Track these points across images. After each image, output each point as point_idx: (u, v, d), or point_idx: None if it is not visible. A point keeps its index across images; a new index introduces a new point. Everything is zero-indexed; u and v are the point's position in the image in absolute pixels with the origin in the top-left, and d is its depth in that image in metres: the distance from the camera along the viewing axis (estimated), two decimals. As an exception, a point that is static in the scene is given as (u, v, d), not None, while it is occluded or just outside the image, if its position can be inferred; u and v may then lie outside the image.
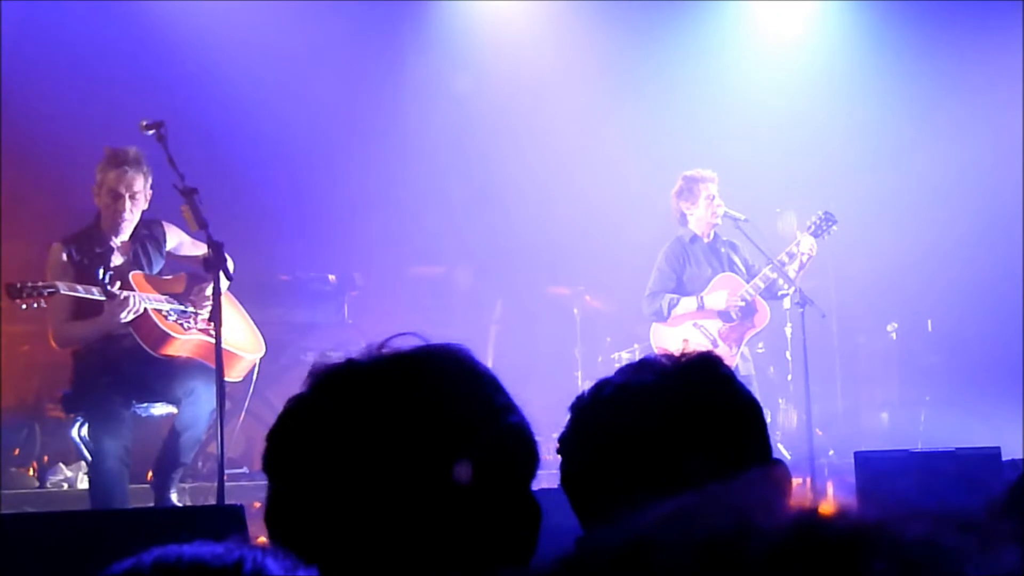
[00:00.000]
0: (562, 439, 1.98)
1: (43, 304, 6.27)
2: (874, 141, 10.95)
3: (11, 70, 8.96)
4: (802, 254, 8.11)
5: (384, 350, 1.63)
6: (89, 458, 6.68)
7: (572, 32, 11.06)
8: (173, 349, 6.64)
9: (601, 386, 1.99)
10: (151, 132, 6.16)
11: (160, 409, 6.88)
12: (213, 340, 6.54)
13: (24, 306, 6.23)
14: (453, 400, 1.60)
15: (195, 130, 8.38)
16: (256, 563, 1.08)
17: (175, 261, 6.99)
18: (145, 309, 6.52)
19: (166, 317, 6.63)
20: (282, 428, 1.63)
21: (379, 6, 10.47)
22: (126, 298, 6.42)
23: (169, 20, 9.67)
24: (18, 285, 6.20)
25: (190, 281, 6.87)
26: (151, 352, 6.60)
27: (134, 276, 6.67)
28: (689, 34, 11.20)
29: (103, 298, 6.43)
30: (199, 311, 6.75)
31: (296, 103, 9.99)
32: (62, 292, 6.30)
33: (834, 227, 8.31)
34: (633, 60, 11.11)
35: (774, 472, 1.92)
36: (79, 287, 6.40)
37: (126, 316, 6.43)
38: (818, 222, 8.29)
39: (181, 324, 6.67)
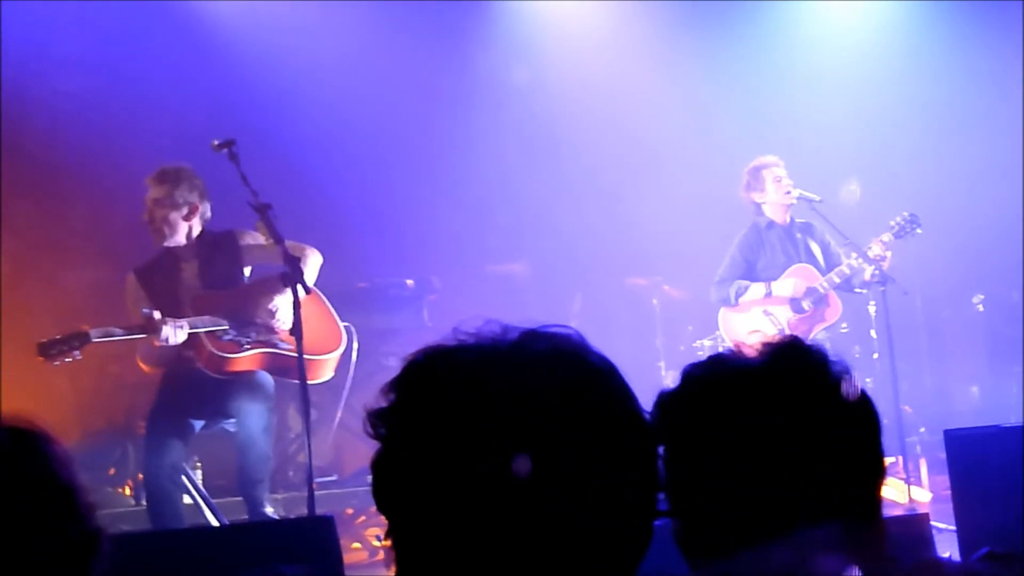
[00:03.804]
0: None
1: (77, 356, 6.32)
2: (950, 109, 10.78)
3: (77, 94, 9.11)
4: (879, 258, 8.05)
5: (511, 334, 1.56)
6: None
7: (637, 23, 11.00)
8: (232, 367, 6.68)
9: (692, 375, 1.88)
10: (223, 151, 6.20)
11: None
12: (275, 351, 6.63)
13: (57, 363, 6.29)
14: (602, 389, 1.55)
15: (264, 144, 8.43)
16: None
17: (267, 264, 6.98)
18: (191, 335, 6.53)
19: (220, 338, 6.64)
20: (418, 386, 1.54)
21: (439, 6, 10.46)
22: (163, 330, 6.40)
23: (229, 34, 9.74)
24: (47, 343, 6.26)
25: (249, 294, 6.89)
26: (212, 374, 6.65)
27: (195, 299, 6.72)
28: (755, 17, 11.11)
29: (139, 335, 6.48)
30: (270, 321, 6.77)
31: (362, 109, 10.01)
32: (93, 340, 6.36)
33: (918, 230, 8.23)
34: (699, 45, 11.04)
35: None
36: (116, 330, 6.46)
37: (169, 343, 6.44)
38: (902, 223, 8.21)
39: (238, 341, 6.67)
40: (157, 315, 6.45)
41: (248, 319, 6.74)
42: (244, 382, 6.66)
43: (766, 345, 1.87)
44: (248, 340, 6.69)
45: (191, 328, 6.52)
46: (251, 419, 6.59)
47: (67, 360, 6.30)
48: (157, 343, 6.43)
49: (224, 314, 6.69)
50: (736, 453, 1.79)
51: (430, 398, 1.51)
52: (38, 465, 1.58)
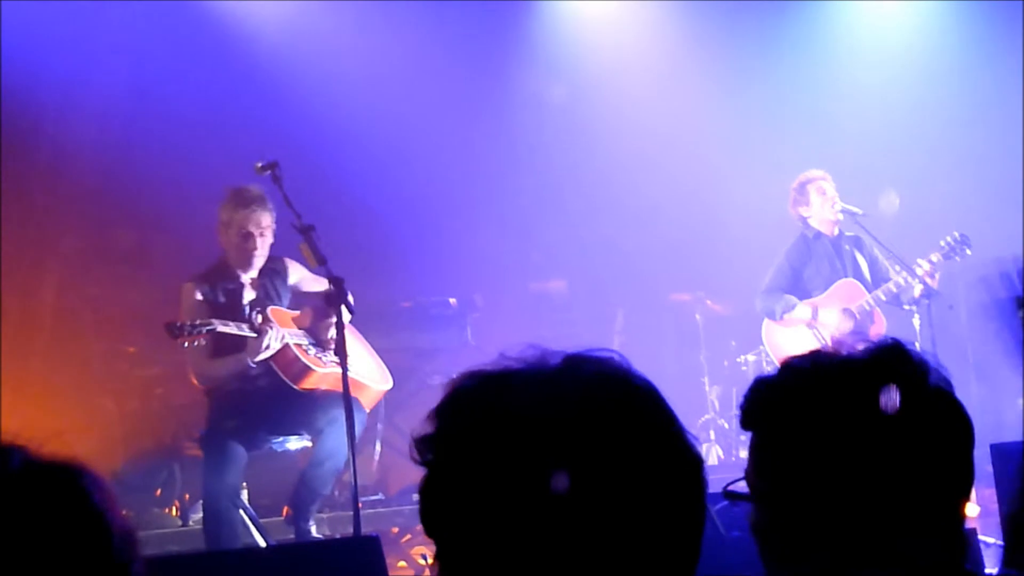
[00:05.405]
0: (747, 419, 1.90)
1: (201, 342, 6.40)
2: (994, 120, 10.69)
3: (125, 119, 9.19)
4: (926, 275, 8.03)
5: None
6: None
7: (677, 38, 10.98)
8: (312, 382, 6.73)
9: (793, 366, 1.89)
10: (266, 173, 6.26)
11: (295, 443, 6.98)
12: (340, 371, 6.63)
13: (186, 344, 6.35)
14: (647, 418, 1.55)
15: (305, 165, 8.46)
16: None
17: (299, 296, 7.11)
18: (286, 343, 6.63)
19: (306, 351, 6.74)
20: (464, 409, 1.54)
21: (477, 21, 10.45)
22: (268, 333, 6.53)
23: (270, 58, 9.78)
24: (178, 324, 6.33)
25: (315, 316, 6.98)
26: (291, 385, 6.69)
27: (272, 311, 6.79)
28: (795, 31, 11.09)
29: (253, 334, 6.54)
30: (327, 347, 6.84)
31: (403, 130, 10.02)
32: (219, 329, 6.42)
33: (968, 251, 8.17)
34: (740, 60, 11.00)
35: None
36: (231, 323, 6.52)
37: (269, 351, 6.55)
38: (952, 243, 8.16)
39: (319, 357, 6.77)
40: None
41: (316, 339, 6.86)
42: (338, 395, 6.57)
43: (869, 343, 1.88)
44: (326, 358, 6.79)
45: (288, 338, 6.65)
46: (344, 430, 6.53)
47: (195, 344, 6.36)
48: (261, 350, 6.51)
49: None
50: (831, 446, 1.80)
51: (476, 425, 1.51)
52: (80, 508, 1.55)
